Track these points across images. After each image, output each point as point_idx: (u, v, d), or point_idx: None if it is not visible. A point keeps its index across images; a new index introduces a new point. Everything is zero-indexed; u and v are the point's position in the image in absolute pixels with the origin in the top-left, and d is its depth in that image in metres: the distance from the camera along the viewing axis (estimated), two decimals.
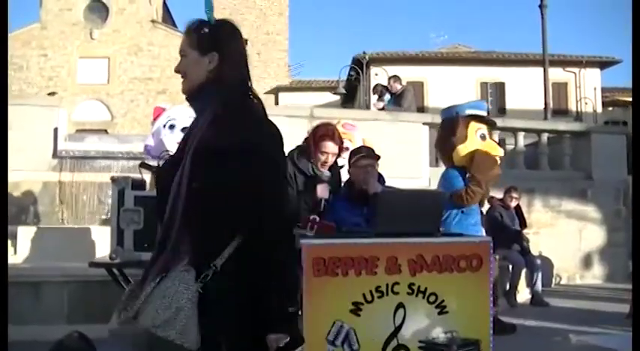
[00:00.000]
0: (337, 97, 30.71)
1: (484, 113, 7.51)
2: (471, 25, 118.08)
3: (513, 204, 10.86)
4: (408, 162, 11.45)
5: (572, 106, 34.48)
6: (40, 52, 41.30)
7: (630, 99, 34.22)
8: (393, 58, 33.27)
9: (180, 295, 2.67)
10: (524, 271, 10.48)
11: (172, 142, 6.59)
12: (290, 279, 3.08)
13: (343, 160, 6.30)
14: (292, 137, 5.71)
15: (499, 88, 34.19)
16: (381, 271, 4.43)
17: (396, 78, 15.61)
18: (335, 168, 5.95)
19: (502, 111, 32.49)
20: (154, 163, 5.88)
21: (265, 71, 45.97)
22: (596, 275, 13.12)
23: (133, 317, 2.80)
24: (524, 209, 11.52)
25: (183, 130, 6.66)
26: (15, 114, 8.13)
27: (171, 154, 5.90)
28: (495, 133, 13.26)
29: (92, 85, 40.72)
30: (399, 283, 4.46)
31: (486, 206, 9.77)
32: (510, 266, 10.19)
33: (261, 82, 45.48)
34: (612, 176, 13.37)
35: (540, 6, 18.52)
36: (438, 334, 4.53)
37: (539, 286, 10.34)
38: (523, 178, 12.65)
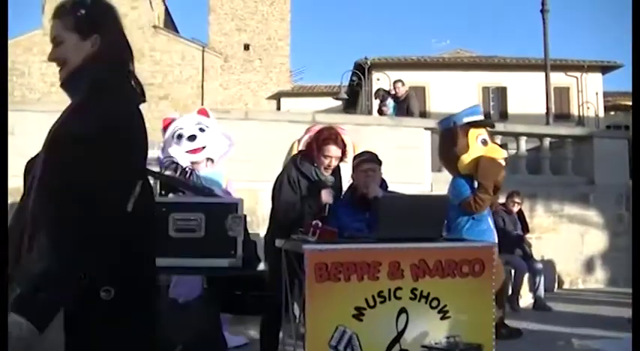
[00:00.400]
0: (339, 103, 30.73)
1: (481, 118, 7.53)
2: (473, 30, 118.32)
3: (515, 209, 10.85)
4: (410, 167, 11.44)
5: (574, 111, 34.47)
6: (42, 58, 41.26)
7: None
8: (394, 63, 33.29)
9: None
10: (526, 276, 10.47)
11: (179, 152, 6.60)
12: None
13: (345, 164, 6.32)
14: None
15: (501, 92, 34.19)
16: (384, 276, 4.45)
17: (401, 82, 15.63)
18: (338, 172, 5.96)
19: (504, 116, 32.48)
20: (156, 168, 5.90)
21: (267, 76, 46.03)
22: (598, 280, 13.09)
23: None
24: (526, 214, 11.52)
25: (189, 138, 6.68)
26: (17, 119, 8.13)
27: (176, 161, 5.94)
28: (497, 137, 13.29)
29: None
30: (402, 288, 4.47)
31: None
32: (513, 271, 10.18)
33: (263, 87, 45.60)
34: (614, 181, 13.35)
35: (542, 11, 18.52)
36: (441, 338, 4.54)
37: (541, 290, 10.33)
38: (525, 182, 12.63)
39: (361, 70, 30.23)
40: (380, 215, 4.76)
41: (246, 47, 46.08)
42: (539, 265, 10.61)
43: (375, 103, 17.79)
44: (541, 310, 9.97)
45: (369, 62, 31.58)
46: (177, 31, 47.49)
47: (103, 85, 2.69)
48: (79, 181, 2.41)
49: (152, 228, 2.77)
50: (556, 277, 12.57)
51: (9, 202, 3.37)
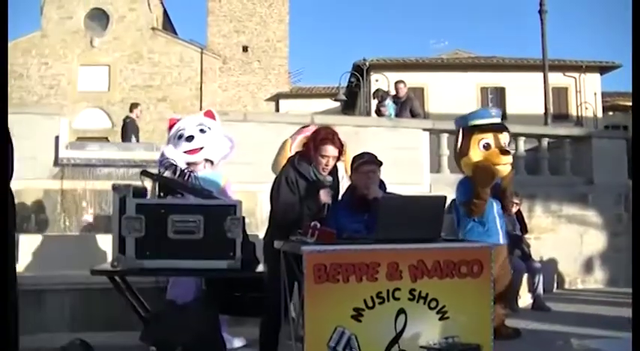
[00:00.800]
0: (338, 104, 30.70)
1: (488, 121, 7.57)
2: (471, 30, 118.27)
3: (514, 209, 10.85)
4: (408, 168, 11.46)
5: (572, 111, 34.47)
6: (40, 60, 41.40)
7: (630, 103, 34.31)
8: (393, 65, 33.29)
9: None
10: (525, 276, 10.47)
11: (176, 152, 6.61)
12: None
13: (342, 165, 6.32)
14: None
15: (499, 93, 34.17)
16: (382, 277, 4.46)
17: (402, 83, 15.61)
18: (335, 172, 5.97)
19: (502, 116, 32.43)
20: (155, 170, 5.90)
21: (266, 78, 46.03)
22: (597, 280, 13.10)
23: None
24: (525, 214, 11.53)
25: (187, 139, 6.69)
26: (16, 122, 8.12)
27: (175, 163, 5.94)
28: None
29: (93, 93, 40.81)
30: (400, 288, 4.49)
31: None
32: (512, 271, 10.19)
33: (261, 88, 45.61)
34: (613, 181, 13.36)
35: (540, 11, 18.55)
36: (439, 339, 4.55)
37: (540, 290, 10.33)
38: (524, 183, 12.63)
39: (359, 72, 30.19)
40: (378, 216, 4.78)
41: (245, 49, 46.08)
42: (538, 265, 10.62)
43: (374, 103, 17.77)
44: (540, 310, 9.97)
45: (367, 63, 31.54)
46: (175, 33, 47.46)
47: None
48: None
49: None
50: (555, 277, 12.57)
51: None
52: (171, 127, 7.07)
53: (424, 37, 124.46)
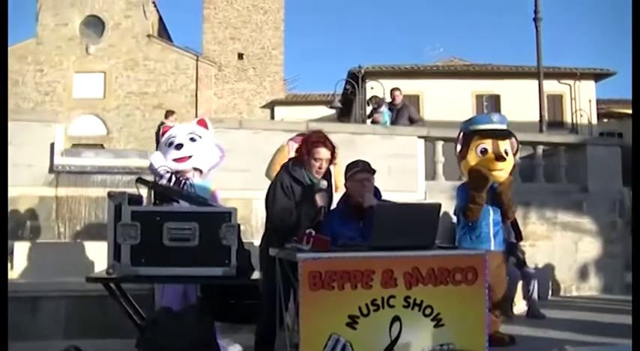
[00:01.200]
0: (333, 111, 30.72)
1: (487, 127, 7.62)
2: (466, 38, 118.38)
3: None
4: (404, 175, 11.47)
5: (567, 118, 34.52)
6: (36, 67, 41.38)
7: (625, 110, 34.41)
8: (388, 72, 33.31)
9: None
10: (520, 283, 10.49)
11: (163, 160, 6.61)
12: None
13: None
14: None
15: (494, 100, 34.20)
16: (377, 285, 4.47)
17: (398, 90, 15.60)
18: (329, 176, 5.99)
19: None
20: (150, 178, 5.91)
21: (261, 85, 46.01)
22: (592, 287, 13.10)
23: None
24: (519, 222, 11.51)
25: (177, 147, 6.68)
26: (11, 129, 8.13)
27: (169, 170, 5.95)
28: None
29: (88, 100, 40.79)
30: (395, 296, 4.50)
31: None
32: (506, 279, 10.20)
33: (257, 96, 45.60)
34: (608, 188, 13.39)
35: (535, 19, 18.60)
36: (434, 346, 4.55)
37: (535, 297, 10.34)
38: (519, 190, 12.60)
39: (355, 79, 30.24)
40: (373, 224, 4.78)
41: (240, 56, 46.09)
42: (533, 272, 10.64)
43: (369, 110, 17.73)
44: (535, 317, 9.97)
45: (362, 70, 31.61)
46: (171, 40, 47.47)
47: None
48: None
49: None
50: (550, 284, 12.57)
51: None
52: (163, 134, 7.08)
53: (419, 44, 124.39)
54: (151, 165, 6.65)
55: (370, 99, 16.81)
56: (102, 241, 5.52)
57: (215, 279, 4.57)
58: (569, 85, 34.91)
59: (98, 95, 41.27)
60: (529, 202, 12.92)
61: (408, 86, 26.99)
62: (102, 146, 36.02)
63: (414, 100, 29.10)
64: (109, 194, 4.66)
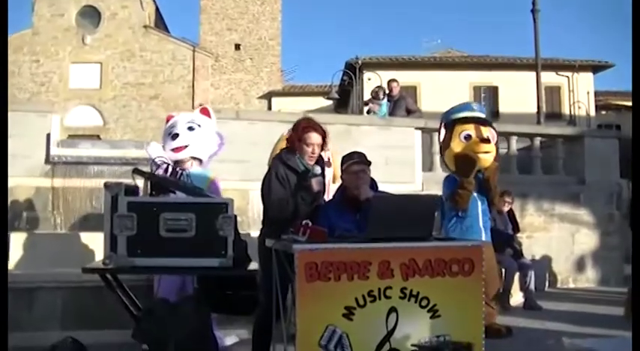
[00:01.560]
0: (330, 102, 30.72)
1: (469, 114, 7.59)
2: (464, 29, 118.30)
3: (506, 208, 10.90)
4: (401, 167, 11.48)
5: (565, 110, 34.57)
6: (32, 57, 41.32)
7: (623, 102, 34.44)
8: (385, 63, 33.32)
9: None
10: (517, 275, 10.51)
11: (160, 150, 6.63)
12: None
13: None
14: None
15: (492, 92, 34.26)
16: (374, 276, 4.47)
17: (396, 81, 15.53)
18: (322, 162, 6.00)
19: (495, 115, 32.50)
20: (146, 169, 5.91)
21: (258, 76, 46.00)
22: (589, 279, 13.13)
23: None
24: (517, 213, 11.57)
25: (173, 137, 6.70)
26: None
27: (165, 161, 5.96)
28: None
29: (84, 91, 40.77)
30: (392, 287, 4.50)
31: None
32: (503, 270, 10.21)
33: (254, 87, 45.58)
34: (605, 180, 13.41)
35: (532, 10, 18.61)
36: (431, 338, 4.56)
37: (532, 289, 10.36)
38: (516, 182, 12.67)
39: (352, 70, 30.22)
40: (370, 215, 4.79)
41: (237, 47, 46.05)
42: (530, 264, 10.67)
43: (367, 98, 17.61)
44: (531, 308, 10.00)
45: (360, 62, 31.61)
46: (167, 31, 47.41)
47: None
48: None
49: None
50: (547, 276, 12.61)
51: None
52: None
53: (417, 35, 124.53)
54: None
55: (374, 90, 16.60)
56: (98, 232, 5.53)
57: (212, 270, 4.57)
58: (567, 76, 34.95)
59: (94, 86, 41.24)
60: (526, 194, 12.94)
61: (406, 77, 27.00)
62: (98, 137, 35.99)
63: (411, 91, 29.13)
64: (106, 185, 4.66)
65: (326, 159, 7.85)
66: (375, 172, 5.90)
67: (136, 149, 11.07)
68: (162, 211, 4.48)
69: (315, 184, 5.68)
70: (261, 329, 5.60)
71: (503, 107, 33.03)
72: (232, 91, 45.71)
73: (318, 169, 5.75)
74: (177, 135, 6.68)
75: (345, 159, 5.89)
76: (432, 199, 5.27)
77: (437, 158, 12.40)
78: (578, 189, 13.45)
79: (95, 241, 7.77)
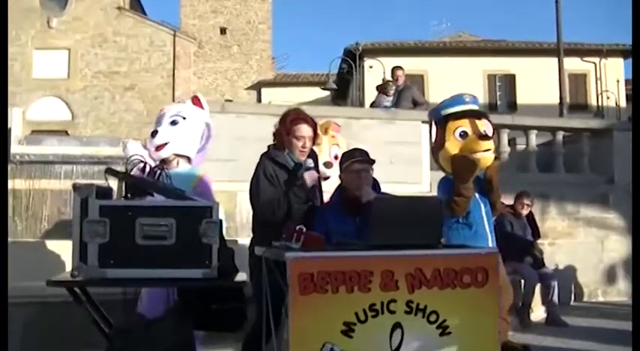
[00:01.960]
0: (327, 93, 30.76)
1: (462, 108, 7.48)
2: (477, 10, 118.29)
3: (525, 211, 10.90)
4: (406, 165, 11.50)
5: (591, 101, 34.60)
6: None
7: None
8: (389, 49, 33.38)
9: None
10: (538, 287, 10.52)
11: (139, 148, 6.65)
12: None
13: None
14: None
15: (509, 80, 34.29)
16: (376, 288, 4.47)
17: (401, 69, 15.44)
18: (314, 156, 6.02)
19: (512, 106, 32.65)
20: (121, 168, 5.91)
21: (247, 64, 46.03)
22: (620, 291, 13.11)
23: None
24: (537, 217, 11.57)
25: (152, 134, 6.72)
26: None
27: (142, 159, 5.97)
28: (505, 130, 13.32)
29: (50, 80, 40.67)
30: (396, 300, 4.51)
31: None
32: (522, 281, 10.23)
33: (241, 76, 45.61)
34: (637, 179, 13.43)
35: None
36: None
37: (555, 302, 10.38)
38: (536, 181, 12.70)
39: (352, 57, 30.30)
40: (371, 219, 4.79)
41: (223, 31, 46.07)
42: (552, 275, 10.68)
43: (370, 95, 17.54)
44: (555, 325, 10.01)
45: (360, 48, 31.67)
46: (144, 13, 47.41)
47: None
48: None
49: None
50: (572, 287, 12.61)
51: None
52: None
53: (424, 18, 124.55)
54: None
55: (384, 84, 16.34)
56: (66, 240, 5.52)
57: (194, 282, 4.57)
58: (594, 63, 34.95)
59: (61, 75, 41.16)
60: (548, 195, 12.95)
61: (411, 65, 27.04)
62: (66, 133, 35.99)
63: (417, 80, 29.17)
64: (75, 186, 4.66)
65: (333, 155, 7.91)
66: (377, 171, 5.91)
67: (109, 146, 11.08)
68: (138, 215, 4.48)
69: (308, 177, 5.69)
70: (250, 347, 5.62)
71: (522, 98, 33.08)
72: (217, 80, 45.75)
73: (310, 162, 5.77)
74: (156, 132, 6.69)
75: (345, 157, 5.91)
76: (441, 202, 5.27)
77: None
78: (607, 189, 13.46)
79: (63, 251, 7.77)
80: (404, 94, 14.84)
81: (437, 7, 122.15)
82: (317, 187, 5.96)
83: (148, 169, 5.94)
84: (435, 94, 29.84)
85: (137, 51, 42.37)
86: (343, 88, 33.96)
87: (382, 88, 15.27)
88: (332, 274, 4.40)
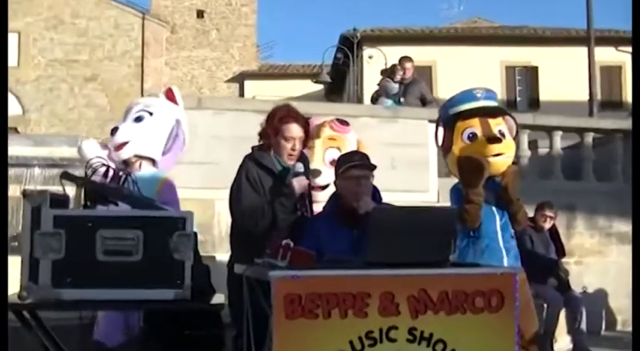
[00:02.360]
0: (319, 87, 30.82)
1: (472, 106, 7.43)
2: None
3: (547, 225, 10.90)
4: (411, 170, 11.51)
5: (627, 97, 34.59)
6: None
7: None
8: (392, 36, 33.39)
9: None
10: (563, 313, 10.52)
11: (98, 149, 6.66)
12: None
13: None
14: None
15: (530, 73, 34.32)
16: (374, 312, 4.48)
17: (410, 60, 15.35)
18: (304, 160, 6.04)
19: (534, 104, 32.69)
20: (80, 172, 5.91)
21: (227, 53, 46.04)
22: None
23: None
24: (562, 231, 11.57)
25: (112, 131, 6.72)
26: None
27: (104, 162, 5.99)
28: (525, 131, 13.33)
29: None
30: (397, 327, 4.51)
31: None
32: (545, 306, 10.23)
33: (221, 66, 45.61)
34: None
35: None
36: None
37: (583, 331, 10.38)
38: (560, 190, 12.71)
39: (348, 46, 30.31)
40: (369, 233, 4.80)
41: (200, 14, 46.10)
42: (580, 298, 10.68)
43: (369, 89, 17.45)
44: None
45: (358, 35, 31.64)
46: None
47: None
48: None
49: None
50: (603, 314, 12.61)
51: None
52: None
53: (432, 1, 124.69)
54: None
55: (389, 69, 16.16)
56: (14, 256, 5.51)
57: (164, 304, 4.57)
58: (630, 53, 34.95)
59: (10, 63, 40.99)
60: (574, 206, 12.95)
61: (418, 55, 26.97)
62: (16, 130, 35.90)
63: (425, 72, 29.14)
64: (24, 193, 4.66)
65: (329, 161, 7.93)
66: (377, 178, 5.92)
67: (66, 147, 11.07)
68: (99, 227, 4.48)
69: (296, 185, 5.70)
70: None
71: (545, 94, 33.08)
72: (194, 71, 45.75)
73: (300, 167, 5.78)
74: (116, 129, 6.69)
75: (342, 160, 5.90)
76: (449, 213, 5.26)
77: None
78: None
79: (10, 268, 7.75)
80: (410, 89, 14.75)
81: None
82: (307, 196, 5.97)
83: (111, 173, 5.94)
84: (445, 89, 29.77)
85: (100, 36, 42.34)
86: (338, 82, 34.00)
87: (389, 72, 15.22)
88: (323, 296, 4.40)
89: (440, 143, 7.41)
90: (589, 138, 13.84)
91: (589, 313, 10.69)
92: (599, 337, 11.55)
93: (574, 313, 10.43)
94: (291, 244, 4.80)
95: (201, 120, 10.67)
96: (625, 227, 13.20)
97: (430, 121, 12.28)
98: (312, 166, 7.14)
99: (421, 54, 30.57)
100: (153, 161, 6.80)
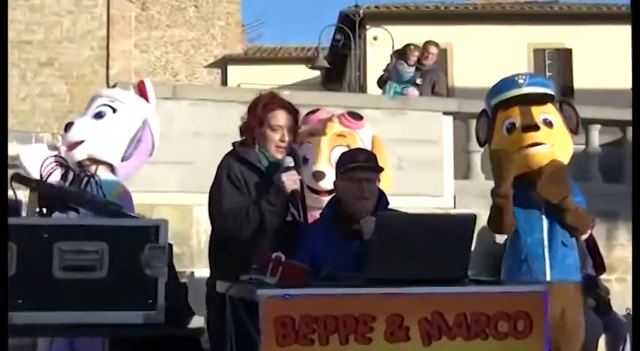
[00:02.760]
0: (317, 73, 30.83)
1: (513, 94, 7.40)
2: None
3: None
4: (422, 171, 11.51)
5: None
6: None
7: None
8: (400, 14, 33.37)
9: None
10: (603, 338, 10.52)
11: (43, 150, 6.67)
12: None
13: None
14: None
15: (562, 57, 34.29)
16: (380, 337, 4.48)
17: (435, 45, 15.28)
18: (295, 154, 6.04)
19: (567, 92, 32.58)
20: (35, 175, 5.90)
21: (208, 34, 45.97)
22: None
23: None
24: (601, 243, 11.53)
25: (66, 127, 6.71)
26: None
27: (63, 162, 5.98)
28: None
29: None
30: None
31: None
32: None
33: (201, 49, 45.52)
34: None
35: None
36: None
37: None
38: (599, 194, 12.67)
39: (350, 25, 30.32)
40: (372, 244, 4.79)
41: None
42: (623, 322, 10.68)
43: (374, 75, 17.41)
44: None
45: (361, 12, 31.65)
46: None
47: None
48: None
49: None
50: None
51: None
52: None
53: None
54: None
55: (404, 49, 16.03)
56: None
57: (133, 329, 4.56)
58: None
59: None
60: (615, 213, 12.93)
61: (431, 36, 27.01)
62: None
63: (438, 57, 29.06)
64: None
65: (334, 161, 7.93)
66: (384, 181, 5.92)
67: (17, 144, 11.06)
68: (57, 239, 4.46)
69: (286, 181, 5.69)
70: None
71: (580, 80, 33.06)
72: (168, 55, 45.69)
73: (289, 160, 5.77)
74: (71, 124, 6.67)
75: (345, 159, 5.88)
76: (467, 221, 5.21)
77: (476, 158, 12.33)
78: None
79: None
80: (427, 77, 14.72)
81: None
82: (299, 196, 5.95)
83: (71, 175, 5.93)
84: (462, 77, 29.95)
85: (57, 13, 42.29)
86: (338, 67, 33.99)
87: (402, 54, 15.15)
88: (320, 319, 4.40)
89: (482, 140, 7.40)
90: (632, 133, 13.82)
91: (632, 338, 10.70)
92: None
93: (616, 338, 10.43)
94: (282, 258, 4.77)
95: (178, 112, 10.66)
96: None
97: (445, 113, 12.30)
98: (316, 167, 7.13)
99: (434, 35, 30.27)
100: (111, 167, 6.74)
